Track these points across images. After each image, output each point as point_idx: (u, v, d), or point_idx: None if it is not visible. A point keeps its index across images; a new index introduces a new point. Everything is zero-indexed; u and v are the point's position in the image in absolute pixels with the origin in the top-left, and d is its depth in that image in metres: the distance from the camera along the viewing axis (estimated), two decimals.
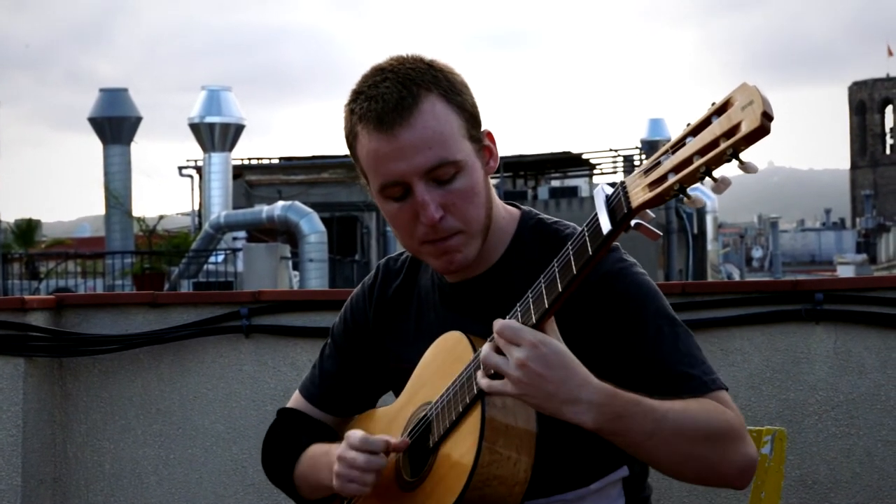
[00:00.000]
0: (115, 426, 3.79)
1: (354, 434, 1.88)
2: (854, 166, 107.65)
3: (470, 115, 1.89)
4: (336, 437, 2.13)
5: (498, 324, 1.70)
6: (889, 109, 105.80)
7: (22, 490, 3.64)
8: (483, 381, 1.71)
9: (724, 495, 3.45)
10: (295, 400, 2.21)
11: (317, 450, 2.06)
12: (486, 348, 1.72)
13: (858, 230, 77.05)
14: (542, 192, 31.87)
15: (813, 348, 3.46)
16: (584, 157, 33.83)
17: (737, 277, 45.62)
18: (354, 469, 1.85)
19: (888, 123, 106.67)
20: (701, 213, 33.79)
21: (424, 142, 1.83)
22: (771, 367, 3.47)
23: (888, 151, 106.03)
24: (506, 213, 1.99)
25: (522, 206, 2.03)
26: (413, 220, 1.87)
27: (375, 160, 1.86)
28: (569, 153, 33.68)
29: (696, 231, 32.63)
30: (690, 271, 31.34)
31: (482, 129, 1.92)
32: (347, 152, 1.96)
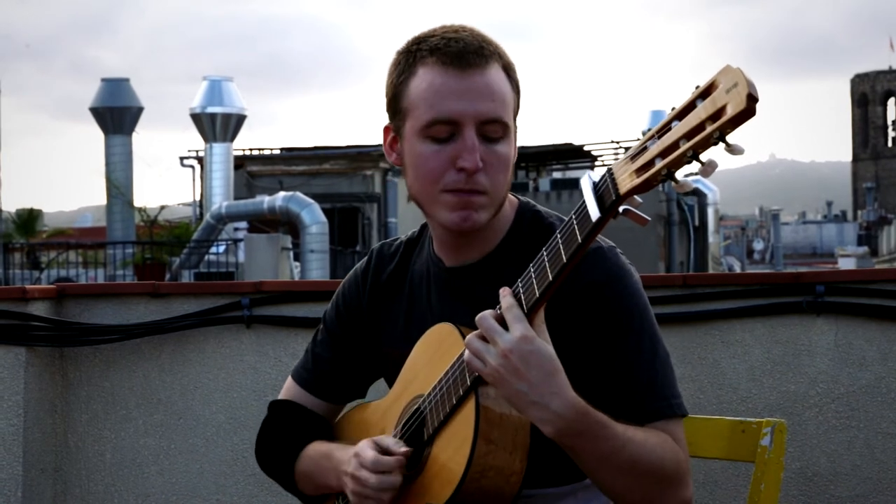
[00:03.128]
0: (116, 416, 3.79)
1: (366, 454, 1.86)
2: (856, 159, 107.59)
3: (518, 100, 1.94)
4: (330, 428, 2.14)
5: (504, 297, 1.70)
6: (891, 102, 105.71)
7: (23, 479, 3.64)
8: (467, 355, 1.72)
9: (724, 487, 3.46)
10: (288, 386, 2.21)
11: (317, 450, 2.06)
12: (473, 334, 1.72)
13: (860, 223, 77.02)
14: (544, 184, 31.86)
15: (814, 340, 3.46)
16: (585, 148, 33.81)
17: (738, 269, 45.64)
18: (368, 488, 1.85)
19: (890, 116, 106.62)
20: (702, 205, 33.79)
21: (492, 93, 1.86)
22: (772, 359, 3.47)
23: (890, 144, 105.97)
24: (506, 201, 1.98)
25: (520, 197, 2.03)
26: (446, 166, 1.87)
27: (436, 94, 1.86)
28: (570, 145, 33.65)
29: (697, 223, 32.64)
30: (692, 263, 31.35)
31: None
32: (385, 95, 1.95)
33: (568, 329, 1.82)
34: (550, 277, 1.65)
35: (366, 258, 2.15)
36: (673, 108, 1.49)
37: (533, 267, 1.69)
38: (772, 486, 2.07)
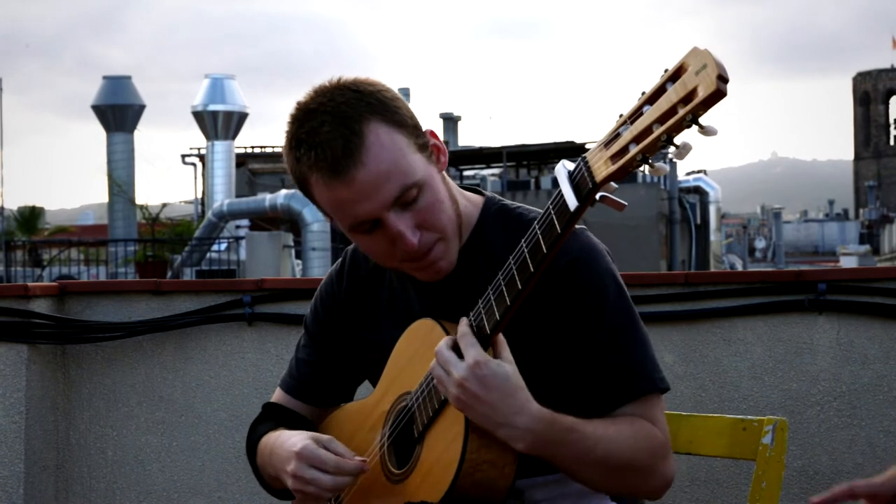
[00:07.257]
0: (118, 413, 3.79)
1: (318, 453, 1.86)
2: (858, 157, 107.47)
3: (412, 128, 1.83)
4: (314, 429, 2.11)
5: (462, 325, 1.74)
6: (893, 100, 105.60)
7: (25, 477, 3.64)
8: (436, 381, 1.76)
9: (726, 485, 3.46)
10: (276, 394, 2.22)
11: (268, 438, 2.07)
12: (434, 363, 1.75)
13: (862, 221, 76.93)
14: (545, 182, 31.85)
15: (815, 339, 3.46)
16: (587, 146, 33.81)
17: (740, 268, 45.62)
18: (313, 486, 1.85)
19: (892, 114, 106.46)
20: (704, 203, 33.77)
21: (383, 176, 1.78)
22: (774, 358, 3.47)
23: (892, 142, 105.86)
24: (467, 201, 1.96)
25: (486, 193, 2.01)
26: (390, 246, 1.85)
27: (338, 206, 1.82)
28: (572, 143, 33.64)
29: (699, 221, 32.62)
30: (693, 261, 31.34)
31: (424, 131, 1.87)
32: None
33: (544, 307, 1.84)
34: (532, 269, 1.65)
35: (339, 261, 2.14)
36: (643, 93, 1.49)
37: (513, 259, 1.69)
38: (773, 485, 2.07)
